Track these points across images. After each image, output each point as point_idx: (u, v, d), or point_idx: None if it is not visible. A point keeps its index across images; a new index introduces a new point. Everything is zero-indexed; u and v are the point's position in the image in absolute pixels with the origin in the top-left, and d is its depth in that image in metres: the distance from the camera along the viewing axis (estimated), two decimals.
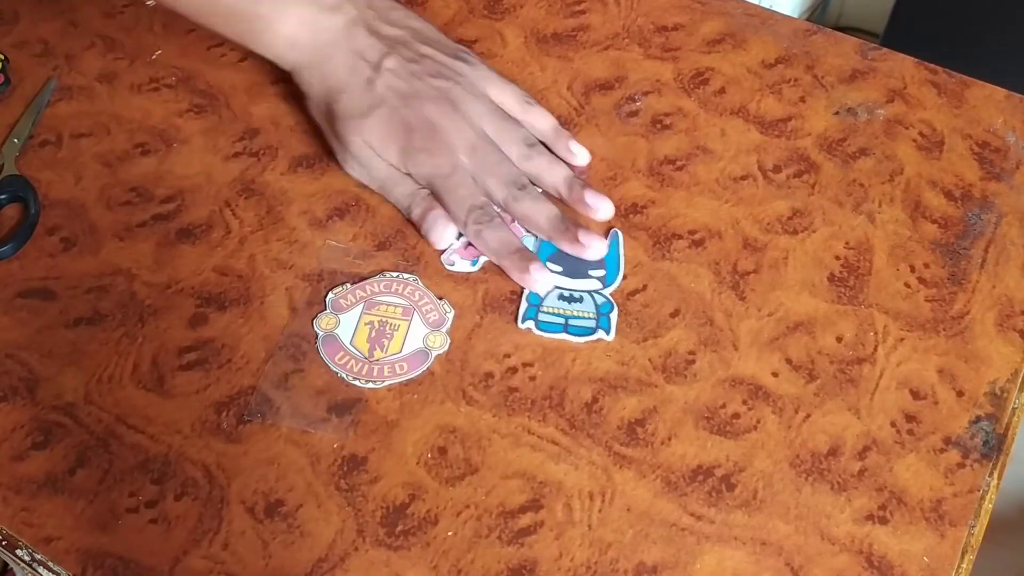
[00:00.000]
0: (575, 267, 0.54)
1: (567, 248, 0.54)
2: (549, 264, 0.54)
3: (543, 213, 0.55)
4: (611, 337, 0.52)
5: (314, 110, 0.59)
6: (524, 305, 0.53)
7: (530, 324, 0.52)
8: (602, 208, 0.56)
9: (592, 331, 0.52)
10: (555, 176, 0.57)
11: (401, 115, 0.56)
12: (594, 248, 0.54)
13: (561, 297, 0.53)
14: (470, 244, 0.55)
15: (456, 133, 0.56)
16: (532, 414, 0.49)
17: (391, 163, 0.56)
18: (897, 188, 0.59)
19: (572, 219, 0.55)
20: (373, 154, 0.56)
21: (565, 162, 0.58)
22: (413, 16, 0.61)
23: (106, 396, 0.49)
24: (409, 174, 0.56)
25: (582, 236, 0.54)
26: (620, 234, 0.56)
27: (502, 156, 0.56)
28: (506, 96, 0.59)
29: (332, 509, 0.46)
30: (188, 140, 0.60)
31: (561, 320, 0.52)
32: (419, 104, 0.56)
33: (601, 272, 0.54)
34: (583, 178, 0.58)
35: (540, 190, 0.57)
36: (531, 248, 0.55)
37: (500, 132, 0.57)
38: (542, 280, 0.53)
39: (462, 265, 0.54)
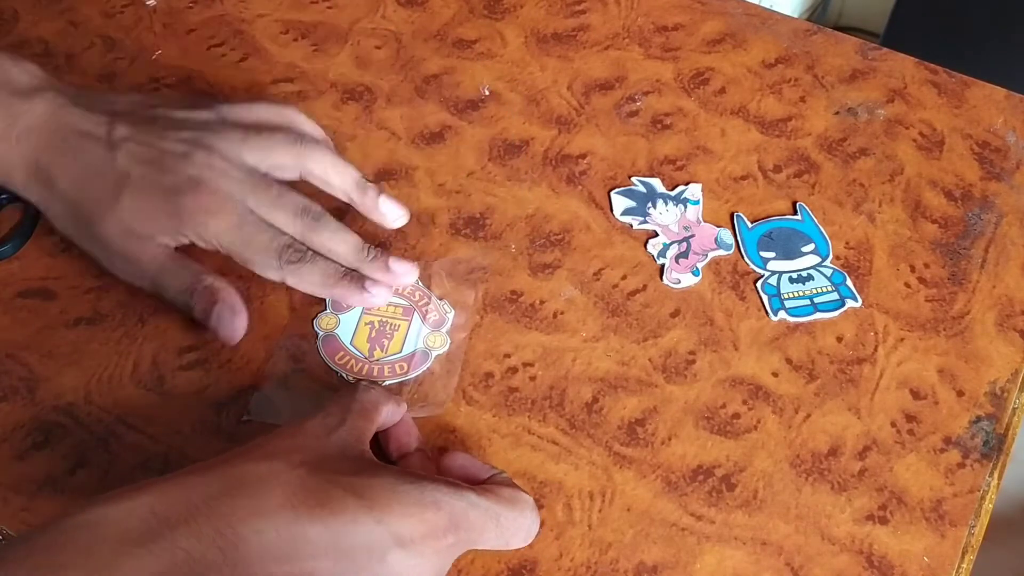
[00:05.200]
0: (787, 248, 0.55)
1: (379, 277, 0.51)
2: (762, 253, 0.54)
3: (344, 242, 0.50)
4: (860, 303, 0.53)
5: (59, 222, 0.51)
6: (765, 299, 0.53)
7: (783, 315, 0.52)
8: (395, 215, 0.53)
9: (840, 303, 0.53)
10: (345, 180, 0.52)
11: (156, 182, 0.49)
12: (405, 274, 0.51)
13: (792, 280, 0.53)
14: (681, 256, 0.54)
15: (225, 178, 0.49)
16: (532, 414, 0.49)
17: (164, 242, 0.49)
18: (897, 188, 0.59)
19: (377, 244, 0.53)
20: (139, 241, 0.49)
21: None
22: (123, 93, 0.55)
23: (106, 396, 0.49)
24: (191, 244, 0.50)
25: (392, 263, 0.51)
26: (804, 205, 0.57)
27: (281, 186, 0.50)
28: (258, 115, 0.53)
29: None
30: None
31: (807, 301, 0.53)
32: (173, 163, 0.49)
33: (811, 246, 0.55)
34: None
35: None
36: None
37: (265, 159, 0.51)
38: (382, 293, 0.51)
39: (687, 280, 0.54)
